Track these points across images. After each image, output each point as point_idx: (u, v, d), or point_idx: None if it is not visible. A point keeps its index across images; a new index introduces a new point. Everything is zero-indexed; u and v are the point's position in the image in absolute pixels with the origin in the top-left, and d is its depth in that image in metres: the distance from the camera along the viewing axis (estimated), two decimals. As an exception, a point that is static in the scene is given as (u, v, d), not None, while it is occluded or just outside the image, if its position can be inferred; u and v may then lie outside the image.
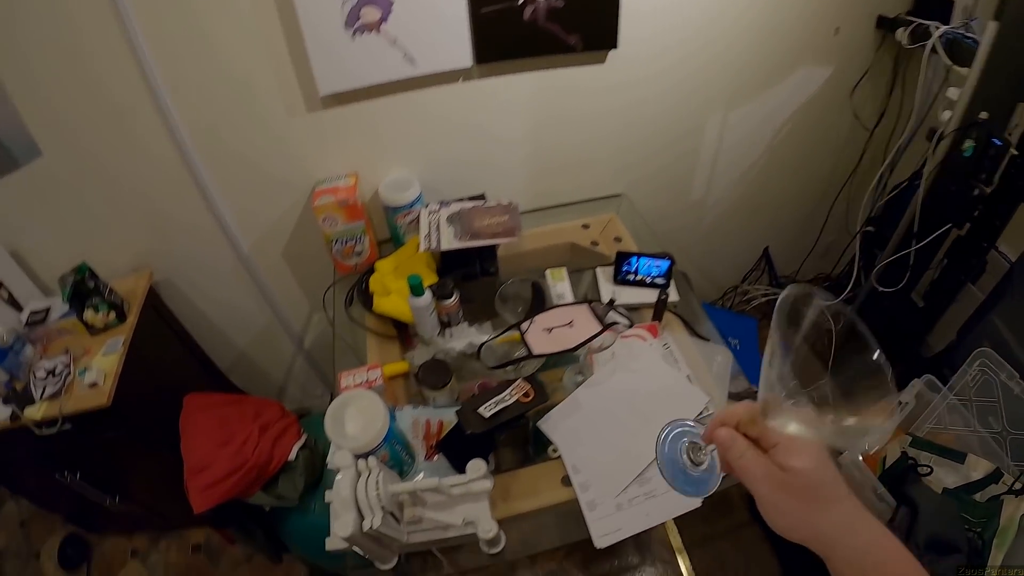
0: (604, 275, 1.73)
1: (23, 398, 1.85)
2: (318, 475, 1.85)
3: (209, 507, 1.70)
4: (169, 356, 2.16)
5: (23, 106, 1.68)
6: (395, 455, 1.31)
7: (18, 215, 1.99)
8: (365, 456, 1.20)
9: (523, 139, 1.93)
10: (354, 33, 1.57)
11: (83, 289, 1.83)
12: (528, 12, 1.56)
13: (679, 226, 2.41)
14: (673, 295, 1.64)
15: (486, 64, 1.69)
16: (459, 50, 1.63)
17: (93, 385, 1.75)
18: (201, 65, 1.62)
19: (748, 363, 1.47)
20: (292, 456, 1.80)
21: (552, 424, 1.36)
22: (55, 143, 1.77)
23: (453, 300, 1.54)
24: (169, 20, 1.53)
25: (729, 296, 2.84)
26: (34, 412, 1.81)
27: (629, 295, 1.65)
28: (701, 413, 1.34)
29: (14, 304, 2.04)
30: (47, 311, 1.99)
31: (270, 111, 1.72)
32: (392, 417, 1.29)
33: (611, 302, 1.55)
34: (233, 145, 1.79)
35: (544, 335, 1.46)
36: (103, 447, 1.98)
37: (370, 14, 1.55)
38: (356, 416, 1.29)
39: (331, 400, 1.30)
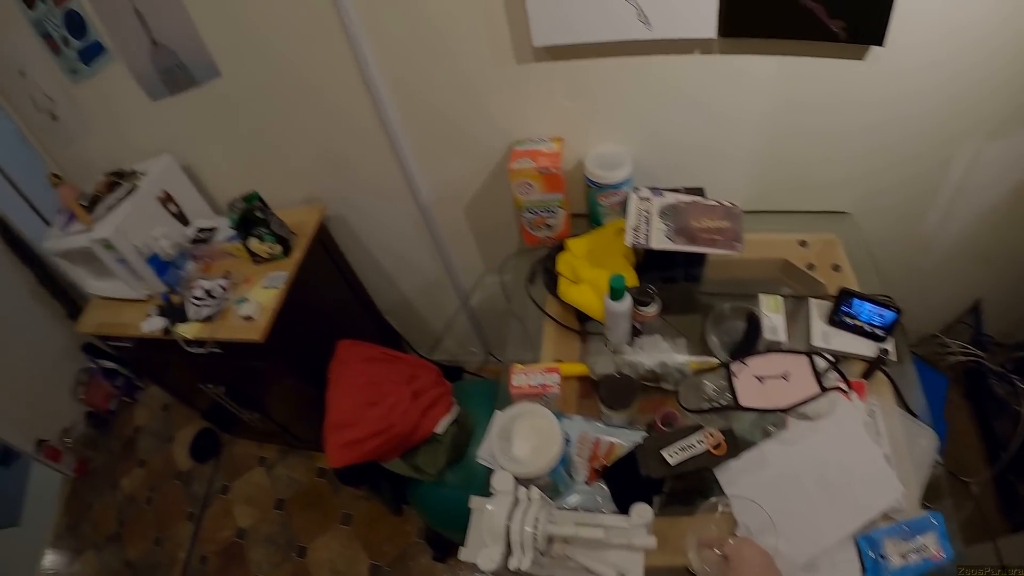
0: (817, 310, 1.47)
1: (177, 313, 1.88)
2: (462, 453, 1.76)
3: (345, 464, 1.67)
4: (330, 292, 2.14)
5: (203, 24, 1.65)
6: (556, 477, 1.19)
7: (192, 131, 2.00)
8: (527, 483, 1.08)
9: (754, 130, 1.64)
10: (583, -22, 1.34)
11: (251, 217, 1.79)
12: (791, -18, 1.29)
13: (894, 254, 2.05)
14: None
15: (731, 39, 1.42)
16: (703, 17, 1.35)
17: (248, 318, 1.73)
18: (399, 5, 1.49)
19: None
20: (440, 430, 1.71)
21: (731, 476, 1.18)
22: (234, 65, 1.73)
23: (654, 310, 1.37)
24: None
25: (923, 344, 2.48)
26: (185, 330, 1.83)
27: (842, 341, 1.40)
28: (889, 508, 1.13)
29: (182, 219, 2.06)
30: (213, 230, 1.99)
31: (474, 56, 1.55)
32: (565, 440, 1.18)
33: (836, 361, 1.32)
34: (428, 87, 1.66)
35: (755, 384, 1.27)
36: (249, 371, 2.00)
37: (604, -41, 1.33)
38: (527, 435, 1.18)
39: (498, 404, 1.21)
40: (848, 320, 1.39)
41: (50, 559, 3.49)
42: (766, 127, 1.60)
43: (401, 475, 1.77)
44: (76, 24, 1.89)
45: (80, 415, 3.79)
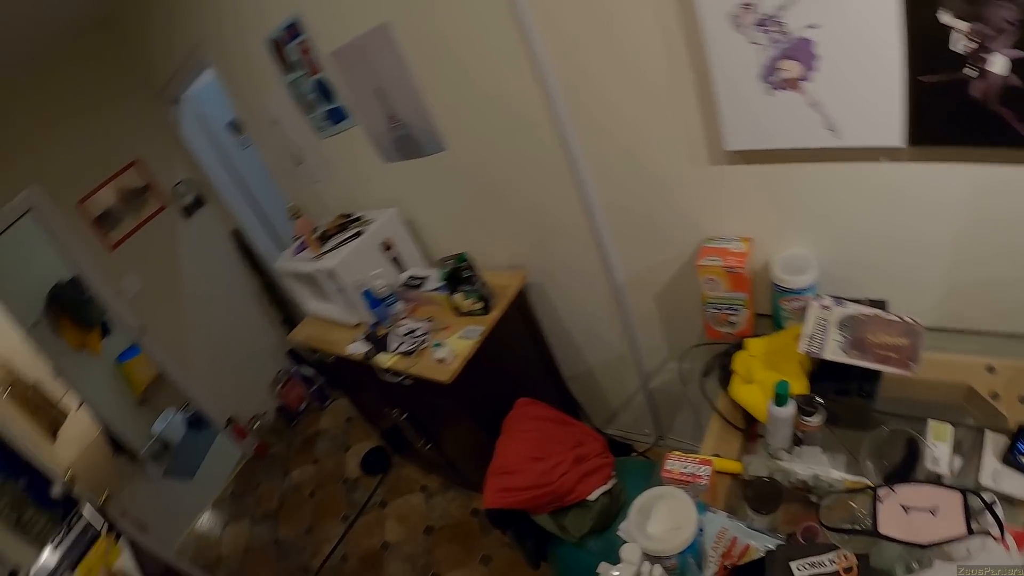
0: (992, 444, 1.36)
1: (380, 344, 2.17)
2: (607, 524, 1.86)
3: (498, 507, 1.83)
4: (519, 351, 2.32)
5: (435, 108, 1.95)
6: (683, 563, 1.25)
7: (416, 192, 2.32)
8: (654, 561, 1.18)
9: (946, 245, 1.53)
10: (770, 88, 1.40)
11: (459, 275, 2.04)
12: (977, 88, 1.25)
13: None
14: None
15: (918, 147, 1.40)
16: (889, 125, 1.33)
17: (441, 361, 1.95)
18: (607, 96, 1.65)
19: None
20: (592, 497, 1.83)
21: (855, 605, 1.20)
22: (458, 144, 2.01)
23: (817, 421, 1.41)
24: (578, 53, 1.59)
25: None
26: (384, 360, 2.12)
27: (1014, 483, 1.33)
28: None
29: (398, 264, 2.37)
30: (423, 280, 2.26)
31: (671, 156, 1.67)
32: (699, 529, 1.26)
33: (991, 504, 1.27)
34: (629, 182, 1.80)
35: (899, 513, 1.26)
36: (432, 406, 2.23)
37: (790, 69, 1.36)
38: (665, 516, 1.25)
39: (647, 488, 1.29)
40: (1024, 461, 1.30)
41: (207, 516, 4.05)
42: (956, 240, 1.49)
43: (546, 531, 1.90)
44: (325, 91, 2.29)
45: (272, 408, 4.35)
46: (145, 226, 3.76)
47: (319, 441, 3.99)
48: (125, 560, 2.24)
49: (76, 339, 4.88)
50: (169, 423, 5.21)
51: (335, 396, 4.27)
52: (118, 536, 2.38)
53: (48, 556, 2.36)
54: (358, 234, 2.30)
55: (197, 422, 5.14)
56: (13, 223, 3.36)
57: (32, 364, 7.06)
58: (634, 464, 2.16)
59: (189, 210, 3.92)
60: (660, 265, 1.94)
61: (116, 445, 5.50)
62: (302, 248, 2.48)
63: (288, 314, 4.23)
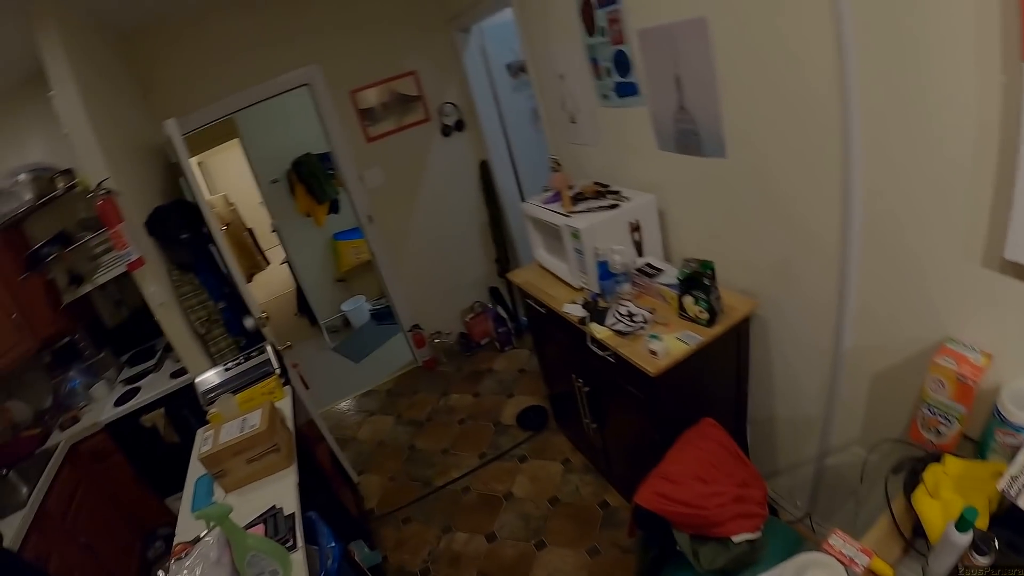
0: None
1: (597, 314, 2.24)
2: (736, 570, 1.85)
3: (646, 507, 1.85)
4: (718, 374, 2.31)
5: (728, 114, 1.94)
6: None
7: (679, 188, 2.37)
8: None
9: None
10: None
11: (697, 281, 2.05)
12: None
13: None
14: None
15: None
16: None
17: (653, 353, 1.98)
18: (902, 160, 1.57)
19: None
20: (736, 539, 1.82)
21: None
22: (739, 156, 2.00)
23: (985, 561, 1.32)
24: (888, 109, 1.52)
25: None
26: (597, 330, 2.18)
27: None
28: None
29: (638, 248, 2.42)
30: (659, 272, 2.30)
31: (943, 241, 1.57)
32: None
33: None
34: (892, 250, 1.72)
35: None
36: (620, 391, 2.27)
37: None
38: None
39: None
40: None
41: (358, 400, 4.44)
42: None
43: (672, 550, 1.92)
44: (622, 64, 2.33)
45: (456, 332, 4.61)
46: (404, 131, 4.13)
47: (486, 379, 4.20)
48: (286, 404, 2.48)
49: (305, 206, 5.48)
50: (357, 307, 5.73)
51: (518, 345, 4.47)
52: (286, 382, 2.65)
53: (217, 373, 2.67)
54: (613, 206, 2.37)
55: (382, 316, 5.60)
56: (290, 90, 3.86)
57: (255, 213, 7.98)
58: (784, 529, 2.08)
59: (447, 130, 4.23)
60: (890, 346, 1.85)
61: (301, 307, 6.13)
62: (554, 199, 2.60)
63: (503, 254, 4.45)
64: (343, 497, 2.99)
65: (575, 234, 2.33)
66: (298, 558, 1.73)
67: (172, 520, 3.63)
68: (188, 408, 3.33)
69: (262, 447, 2.06)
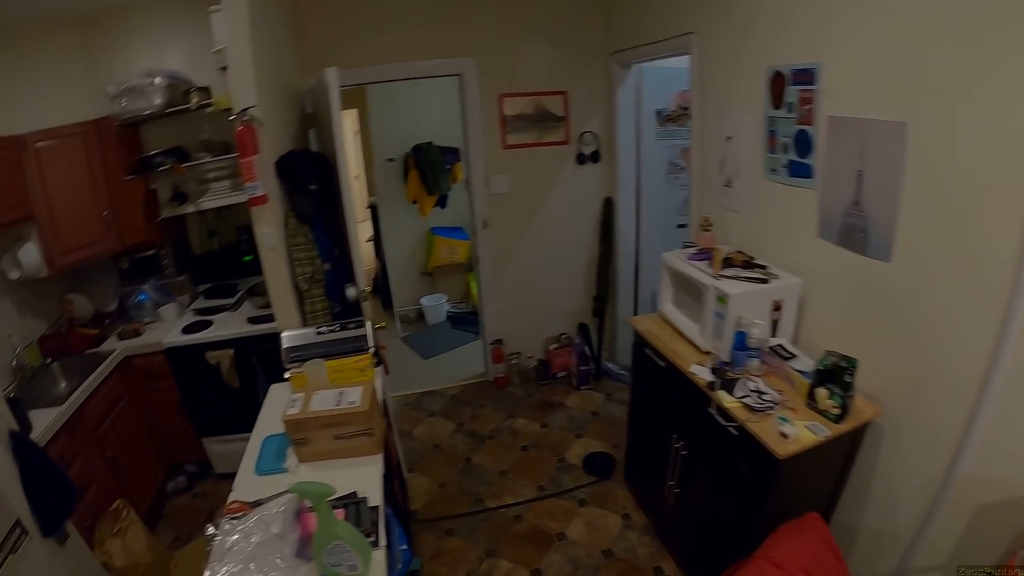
0: None
1: (726, 384, 2.14)
2: None
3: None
4: (824, 472, 2.19)
5: (905, 221, 1.85)
6: None
7: (828, 280, 2.25)
8: None
9: None
10: None
11: (836, 375, 1.93)
12: None
13: None
14: None
15: None
16: None
17: (784, 436, 1.88)
18: None
19: None
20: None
21: None
22: (905, 263, 1.89)
23: None
24: None
25: None
26: (724, 398, 2.10)
27: None
28: None
29: (775, 328, 2.31)
30: (792, 356, 2.19)
31: None
32: None
33: None
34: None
35: None
36: (726, 464, 2.17)
37: None
38: None
39: None
40: None
41: (410, 396, 4.42)
42: None
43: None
44: (802, 144, 2.23)
45: (536, 358, 4.55)
46: (540, 148, 4.10)
47: (557, 412, 4.10)
48: (377, 381, 2.40)
49: (415, 193, 5.44)
50: (437, 305, 5.71)
51: (594, 386, 4.36)
52: (379, 362, 2.59)
53: (306, 333, 2.56)
54: (762, 280, 2.28)
55: (461, 320, 5.57)
56: (439, 76, 3.92)
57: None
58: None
59: (582, 158, 4.17)
60: (1009, 480, 1.73)
61: (377, 288, 6.12)
62: (699, 257, 2.52)
63: (603, 294, 4.37)
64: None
65: (722, 298, 2.25)
66: (379, 557, 1.67)
67: (201, 459, 3.75)
68: (258, 357, 3.35)
69: (356, 427, 2.00)
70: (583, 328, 4.47)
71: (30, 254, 3.30)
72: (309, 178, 2.98)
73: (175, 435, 3.69)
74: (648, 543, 2.89)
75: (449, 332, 5.54)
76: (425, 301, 5.75)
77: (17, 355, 3.41)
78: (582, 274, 4.48)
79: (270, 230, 2.90)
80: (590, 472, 3.41)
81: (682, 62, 3.09)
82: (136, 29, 3.39)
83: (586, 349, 4.36)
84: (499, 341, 4.39)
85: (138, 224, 3.51)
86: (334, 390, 2.09)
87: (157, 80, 3.19)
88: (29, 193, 3.16)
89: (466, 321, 5.44)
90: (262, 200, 2.75)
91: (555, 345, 4.44)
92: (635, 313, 4.32)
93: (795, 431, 1.88)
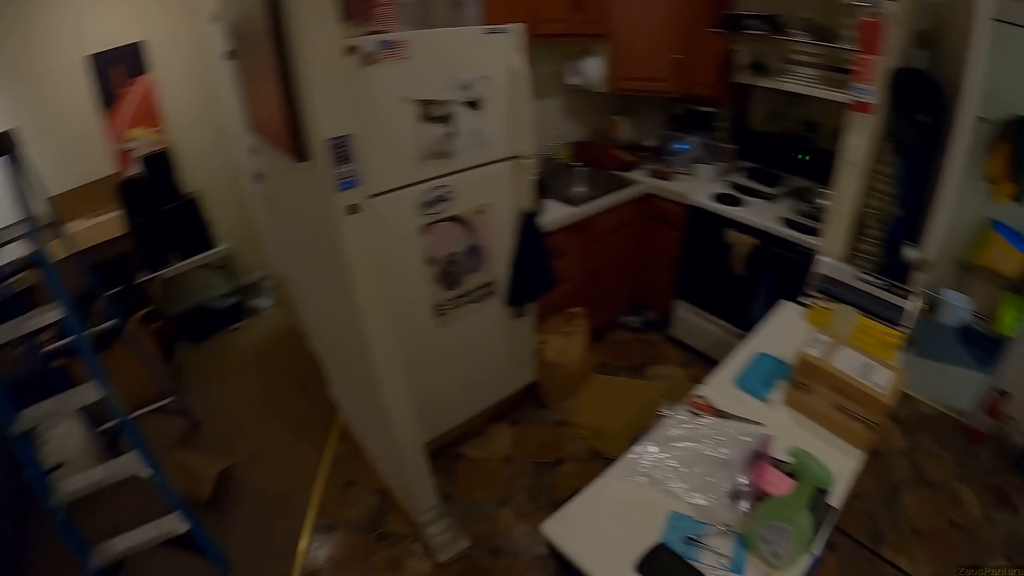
0: None
1: None
2: None
3: None
4: None
5: None
6: None
7: None
8: None
9: None
10: None
11: None
12: None
13: None
14: None
15: None
16: None
17: None
18: None
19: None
20: None
21: None
22: None
23: None
24: None
25: None
26: None
27: None
28: None
29: None
30: None
31: None
32: None
33: None
34: None
35: None
36: None
37: None
38: None
39: None
40: None
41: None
42: None
43: None
44: None
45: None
46: None
47: (1008, 513, 3.12)
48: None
49: (995, 172, 4.24)
50: (957, 307, 4.72)
51: None
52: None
53: (847, 270, 2.14)
54: None
55: (973, 339, 4.59)
56: None
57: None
58: None
59: None
60: None
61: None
62: None
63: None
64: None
65: None
66: (802, 561, 1.38)
67: (664, 314, 3.89)
68: (776, 261, 3.13)
69: (866, 412, 1.63)
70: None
71: (594, 67, 3.53)
72: (920, 105, 2.51)
73: (653, 281, 3.90)
74: None
75: (953, 343, 4.56)
76: (948, 295, 4.76)
77: (551, 147, 3.68)
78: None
79: (860, 144, 2.54)
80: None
81: None
82: None
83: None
84: (1005, 392, 3.42)
85: (706, 78, 3.44)
86: (859, 356, 1.76)
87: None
88: (610, 14, 3.38)
89: (980, 344, 4.40)
90: (865, 107, 2.43)
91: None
92: None
93: None
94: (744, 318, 3.30)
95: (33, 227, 2.36)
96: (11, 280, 2.86)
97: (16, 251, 2.44)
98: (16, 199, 2.34)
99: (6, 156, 2.33)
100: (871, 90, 2.39)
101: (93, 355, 2.37)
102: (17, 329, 2.63)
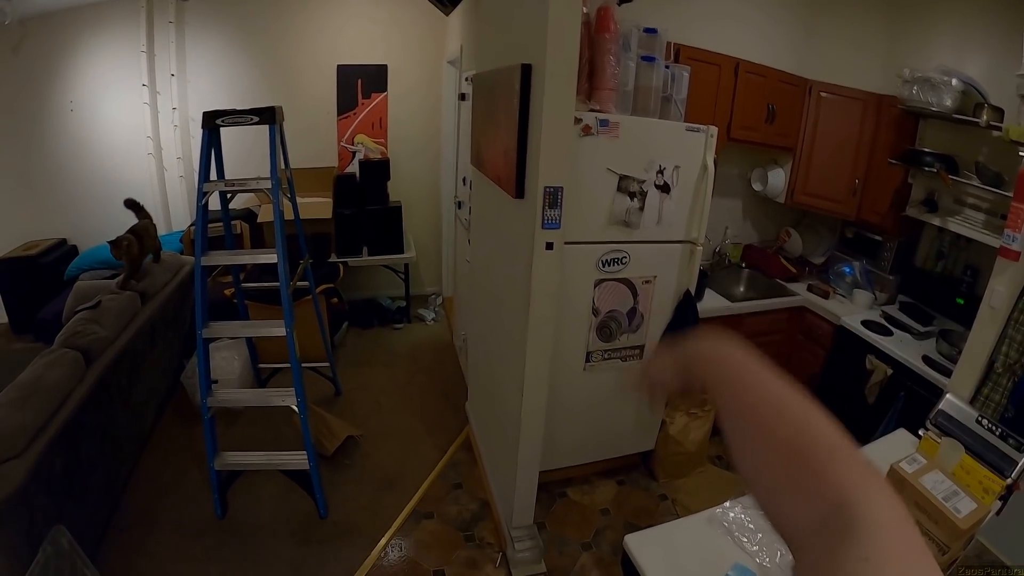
0: None
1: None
2: None
3: None
4: None
5: None
6: None
7: None
8: None
9: None
10: None
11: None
12: None
13: None
14: None
15: None
16: None
17: None
18: None
19: None
20: None
21: None
22: None
23: None
24: None
25: None
26: None
27: None
28: None
29: None
30: None
31: None
32: None
33: None
34: None
35: None
36: None
37: None
38: None
39: None
40: None
41: None
42: None
43: None
44: None
45: None
46: None
47: None
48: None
49: None
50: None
51: None
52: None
53: (967, 411, 2.17)
54: None
55: None
56: None
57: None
58: None
59: None
60: None
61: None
62: None
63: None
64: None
65: None
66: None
67: None
68: (906, 395, 3.18)
69: (942, 533, 1.77)
70: None
71: (778, 178, 3.71)
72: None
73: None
74: None
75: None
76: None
77: (723, 245, 3.93)
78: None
79: (1003, 290, 2.60)
80: None
81: None
82: (940, 24, 3.30)
83: None
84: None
85: (880, 207, 3.55)
86: (951, 484, 1.86)
87: (954, 82, 3.03)
88: (799, 131, 3.60)
89: None
90: (1015, 255, 2.49)
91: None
92: None
93: None
94: (863, 444, 3.31)
95: (277, 184, 2.85)
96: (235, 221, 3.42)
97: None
98: (271, 159, 2.82)
99: (274, 126, 2.84)
100: (1020, 238, 2.46)
101: (289, 299, 2.85)
102: (236, 258, 3.24)
